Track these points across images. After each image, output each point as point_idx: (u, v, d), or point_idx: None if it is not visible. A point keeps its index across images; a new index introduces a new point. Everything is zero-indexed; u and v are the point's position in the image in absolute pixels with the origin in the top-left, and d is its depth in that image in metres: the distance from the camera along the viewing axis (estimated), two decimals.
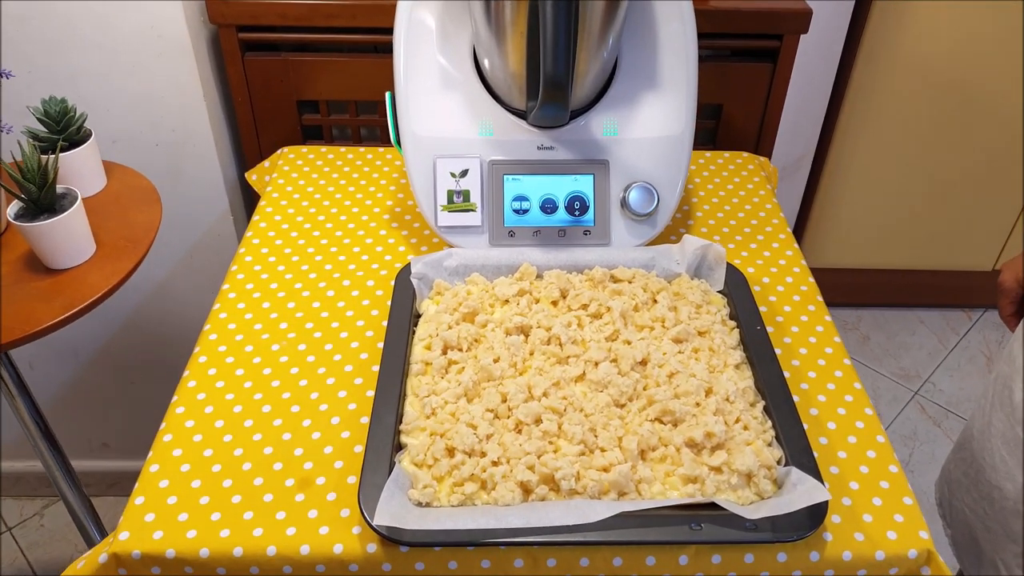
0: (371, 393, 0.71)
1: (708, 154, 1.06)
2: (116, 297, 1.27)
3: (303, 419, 0.69)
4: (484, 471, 0.60)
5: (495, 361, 0.69)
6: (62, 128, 0.84)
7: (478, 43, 0.84)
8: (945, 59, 1.46)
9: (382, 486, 0.58)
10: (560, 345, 0.71)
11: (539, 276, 0.80)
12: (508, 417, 0.65)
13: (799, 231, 1.70)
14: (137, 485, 0.64)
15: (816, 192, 1.64)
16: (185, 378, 0.74)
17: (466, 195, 0.84)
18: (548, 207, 0.84)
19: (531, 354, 0.71)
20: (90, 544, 1.14)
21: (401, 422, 0.65)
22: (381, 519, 0.56)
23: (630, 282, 0.78)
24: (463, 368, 0.69)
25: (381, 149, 1.06)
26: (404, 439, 0.64)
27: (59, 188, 0.78)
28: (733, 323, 0.75)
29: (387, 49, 1.08)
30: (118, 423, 1.51)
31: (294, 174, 1.01)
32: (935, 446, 1.55)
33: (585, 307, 0.75)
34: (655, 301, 0.77)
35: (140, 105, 1.08)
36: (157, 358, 1.39)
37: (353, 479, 0.64)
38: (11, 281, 0.77)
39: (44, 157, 0.76)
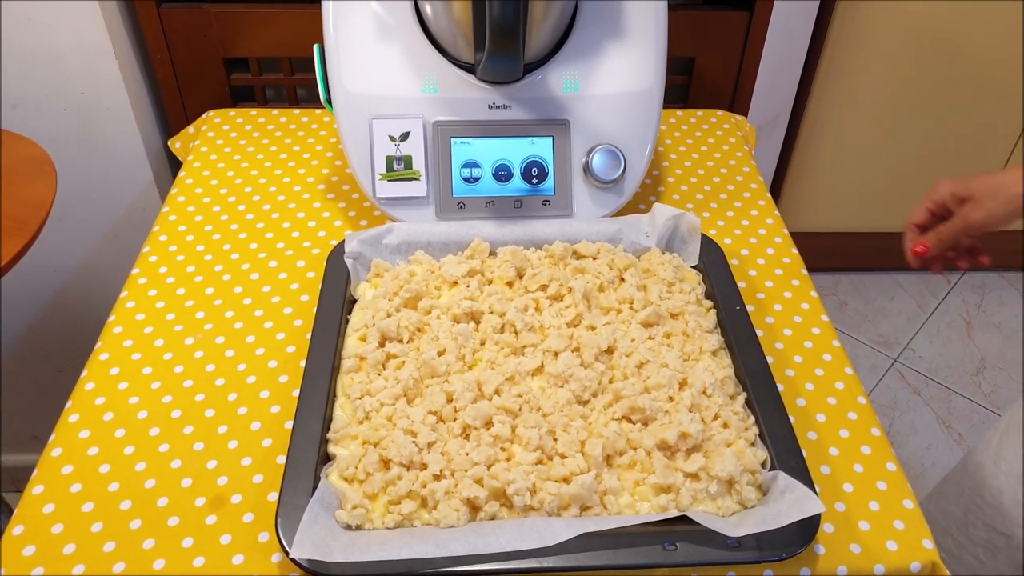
0: (297, 393, 0.62)
1: (680, 113, 0.97)
2: (32, 279, 1.15)
3: (219, 425, 0.60)
4: (424, 487, 0.52)
5: (440, 354, 0.60)
6: None
7: None
8: (926, 13, 1.38)
9: (304, 507, 0.50)
10: (515, 333, 0.63)
11: (492, 253, 0.71)
12: (454, 420, 0.56)
13: (775, 194, 1.63)
14: (16, 511, 0.54)
15: (792, 153, 1.56)
16: (82, 379, 0.64)
17: (407, 161, 0.74)
18: (502, 174, 0.75)
19: (482, 344, 0.62)
20: None
21: (329, 429, 0.56)
22: (301, 550, 0.47)
23: (594, 258, 0.70)
24: (403, 363, 0.60)
25: (318, 111, 0.95)
26: (332, 449, 0.55)
27: None
28: (709, 303, 0.67)
29: None
30: (48, 414, 1.40)
31: (219, 140, 0.90)
32: (915, 415, 1.51)
33: (544, 288, 0.67)
34: (622, 279, 0.68)
35: (39, 64, 0.96)
36: (85, 344, 1.28)
37: (274, 496, 0.55)
38: None
39: None
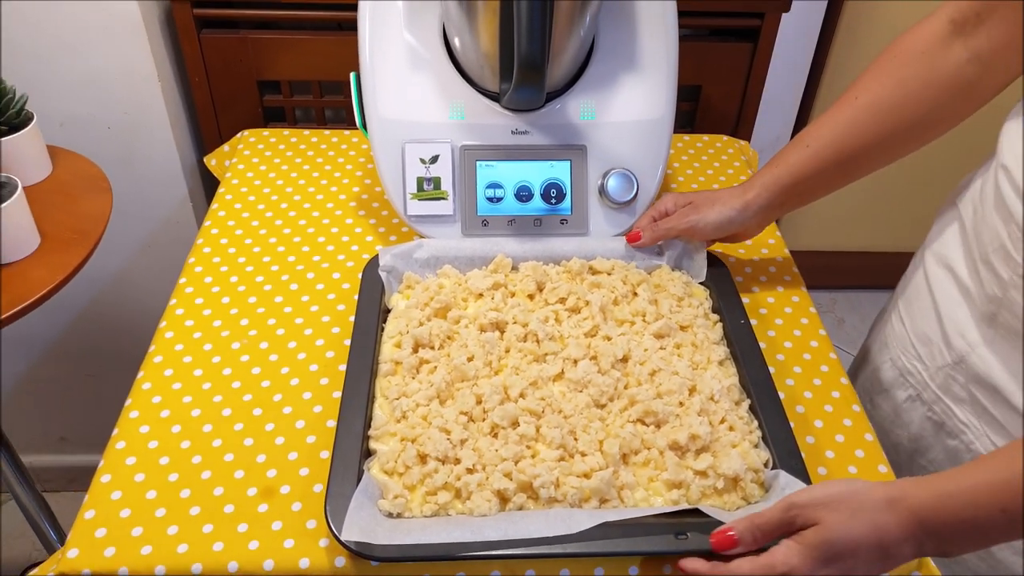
0: (338, 395, 0.67)
1: (687, 137, 1.03)
2: (68, 288, 1.21)
3: (266, 423, 0.65)
4: (458, 479, 0.57)
5: (469, 360, 0.66)
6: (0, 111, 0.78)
7: (448, 20, 0.79)
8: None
9: (350, 496, 0.55)
10: (537, 342, 0.68)
11: (514, 268, 0.76)
12: (483, 420, 0.62)
13: None
14: (87, 497, 0.60)
15: None
16: (139, 380, 0.69)
17: (436, 182, 0.80)
18: (523, 195, 0.80)
19: (507, 352, 0.68)
20: (46, 543, 1.09)
21: (370, 427, 0.61)
22: (350, 534, 0.53)
23: (609, 274, 0.75)
24: (435, 367, 0.65)
25: (347, 132, 1.01)
26: (373, 445, 0.61)
27: None
28: (716, 317, 0.72)
29: (352, 27, 1.03)
30: (76, 416, 1.45)
31: (255, 159, 0.96)
32: None
33: (563, 301, 0.72)
34: (635, 294, 0.74)
35: (88, 85, 1.02)
36: (115, 350, 1.33)
37: (320, 487, 0.60)
38: None
39: None
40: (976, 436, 0.66)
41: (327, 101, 1.10)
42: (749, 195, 0.73)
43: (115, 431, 0.65)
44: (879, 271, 1.80)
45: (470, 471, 0.57)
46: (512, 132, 0.80)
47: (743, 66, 1.10)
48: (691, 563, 0.53)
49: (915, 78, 0.67)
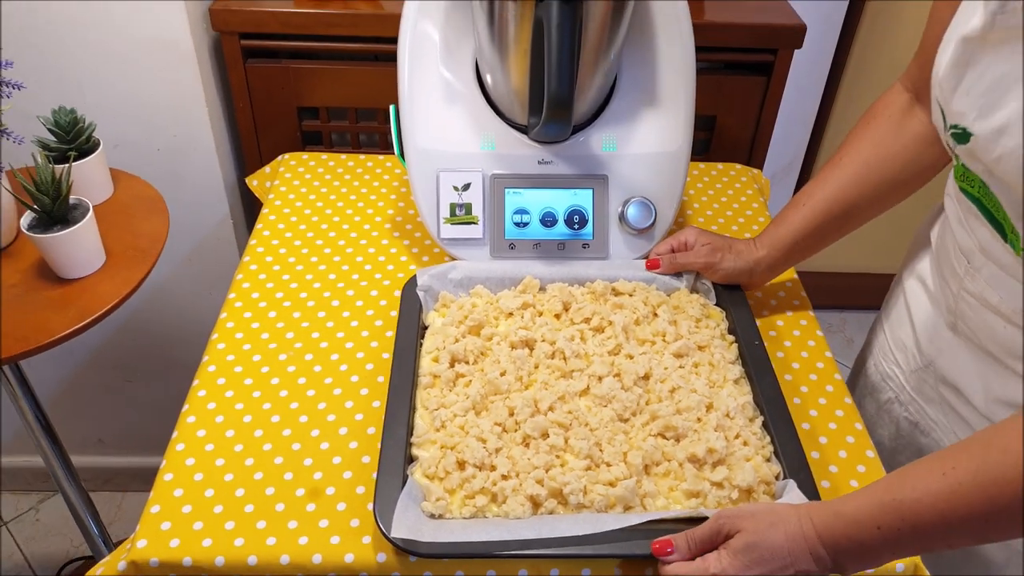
0: (377, 404, 0.73)
1: (702, 165, 1.08)
2: None
3: (311, 429, 0.71)
4: (494, 484, 0.62)
5: (501, 374, 0.71)
6: (72, 138, 0.84)
7: (481, 58, 0.85)
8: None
9: (395, 498, 0.60)
10: (564, 359, 0.73)
11: (542, 289, 0.82)
12: (515, 431, 0.67)
13: None
14: (152, 493, 0.65)
15: None
16: (195, 387, 0.75)
17: (468, 208, 0.86)
18: (548, 220, 0.86)
19: (536, 368, 0.73)
20: (88, 538, 1.15)
21: (411, 434, 0.67)
22: (398, 531, 0.58)
23: (631, 295, 0.80)
24: (470, 381, 0.71)
25: (381, 156, 1.07)
26: (415, 451, 0.66)
27: (71, 199, 0.79)
28: (732, 337, 0.77)
29: (387, 58, 1.10)
30: (113, 420, 1.51)
31: (296, 181, 1.02)
32: None
33: (587, 320, 0.77)
34: (656, 315, 0.79)
35: (143, 110, 1.09)
36: (154, 357, 1.39)
37: (362, 489, 0.66)
38: (23, 290, 0.78)
39: (57, 168, 0.77)
40: (944, 433, 0.74)
41: (362, 127, 1.16)
42: (760, 253, 0.81)
43: (175, 434, 0.71)
44: (887, 291, 1.84)
45: (505, 477, 0.63)
46: (539, 162, 0.86)
47: (757, 98, 1.15)
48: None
49: (888, 138, 0.75)
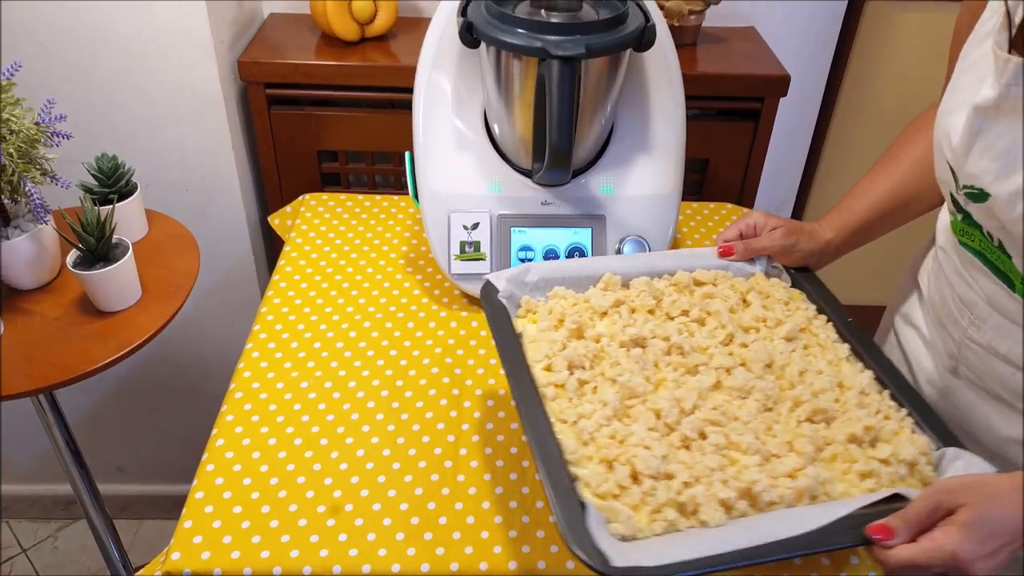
0: (392, 428, 0.78)
1: (695, 205, 1.14)
2: None
3: (331, 451, 0.76)
4: (679, 494, 0.57)
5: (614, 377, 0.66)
6: (112, 182, 0.91)
7: (489, 109, 0.92)
8: (916, 112, 1.56)
9: (585, 525, 0.54)
10: (683, 354, 0.69)
11: (624, 285, 0.77)
12: (669, 434, 0.62)
13: None
14: (185, 510, 0.70)
15: None
16: (223, 412, 0.80)
17: (476, 245, 0.92)
18: (550, 257, 0.92)
19: (656, 366, 0.68)
20: (109, 564, 1.19)
21: (562, 452, 0.60)
22: (618, 561, 0.52)
23: (714, 284, 0.78)
24: (596, 387, 0.65)
25: (395, 197, 1.14)
26: (573, 470, 0.59)
27: (113, 238, 0.85)
28: (824, 316, 0.76)
29: (401, 105, 1.17)
30: (133, 449, 1.56)
31: (315, 220, 1.09)
32: None
33: (686, 313, 0.74)
34: (746, 302, 0.76)
35: (175, 153, 1.16)
36: (176, 387, 1.45)
37: (378, 506, 0.71)
38: (66, 323, 0.84)
39: (100, 210, 0.83)
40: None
41: (378, 169, 1.23)
42: (829, 235, 0.81)
43: (205, 456, 0.76)
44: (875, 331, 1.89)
45: (687, 484, 0.58)
46: (542, 203, 0.92)
47: (746, 142, 1.22)
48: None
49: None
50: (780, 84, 1.17)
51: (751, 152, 1.22)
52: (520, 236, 0.92)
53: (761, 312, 0.74)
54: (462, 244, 0.91)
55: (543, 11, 0.85)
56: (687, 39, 1.27)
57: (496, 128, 0.92)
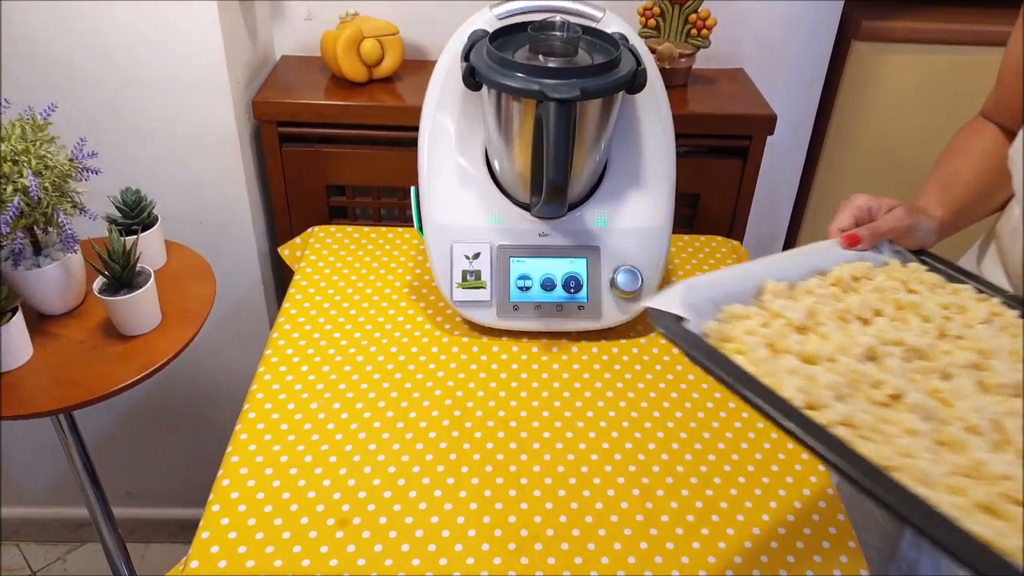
0: (397, 447, 0.82)
1: (686, 237, 1.20)
2: None
3: (339, 468, 0.80)
4: None
5: (895, 396, 0.56)
6: (136, 214, 0.97)
7: (490, 147, 0.98)
8: (903, 151, 1.63)
9: None
10: (926, 358, 0.60)
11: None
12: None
13: None
14: (202, 522, 0.75)
15: None
16: (237, 431, 0.85)
17: (477, 274, 0.97)
18: (547, 285, 0.97)
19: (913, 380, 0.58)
20: None
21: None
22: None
23: (869, 278, 0.69)
24: (883, 418, 0.54)
25: (400, 229, 1.19)
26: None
27: (136, 266, 0.91)
28: (985, 296, 0.69)
29: (406, 143, 1.23)
30: (142, 473, 1.60)
31: (324, 251, 1.14)
32: None
33: (879, 312, 0.65)
34: (912, 291, 0.68)
35: (191, 187, 1.22)
36: (185, 414, 1.49)
37: (384, 519, 0.75)
38: (90, 346, 0.89)
39: (126, 240, 0.89)
40: None
41: (383, 203, 1.29)
42: (938, 213, 0.76)
43: (220, 471, 0.80)
44: None
45: None
46: (539, 235, 0.97)
47: (735, 178, 1.28)
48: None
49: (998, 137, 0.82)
50: (767, 123, 1.24)
51: (740, 187, 1.28)
52: (519, 265, 0.97)
53: (948, 299, 0.66)
54: (464, 273, 0.97)
55: (541, 56, 0.91)
56: (678, 80, 1.34)
57: (496, 164, 0.97)
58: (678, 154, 1.01)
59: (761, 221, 1.67)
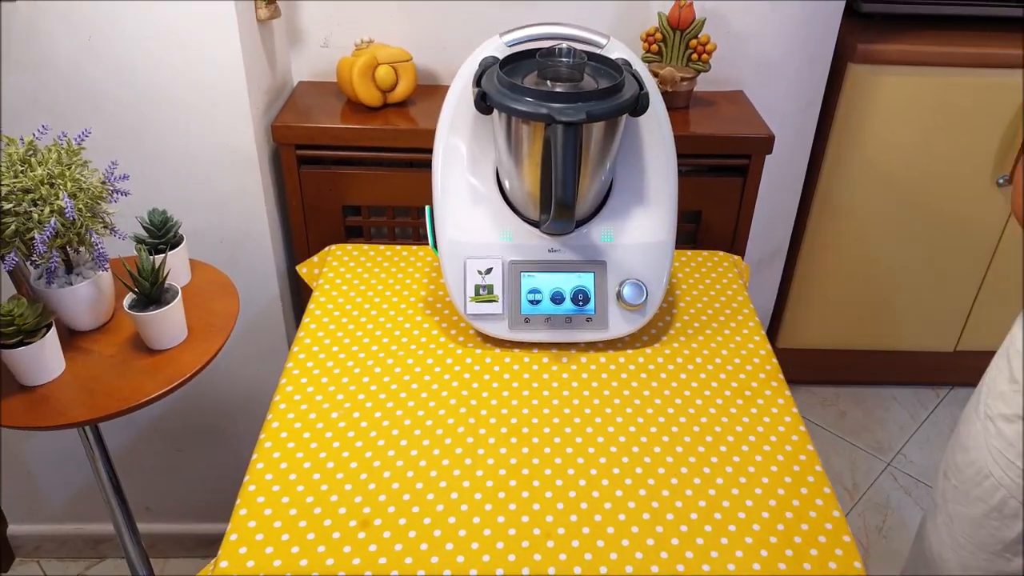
0: (415, 452, 0.86)
1: (689, 253, 1.24)
2: None
3: (360, 473, 0.84)
4: None
5: None
6: (162, 234, 1.02)
7: (500, 167, 1.03)
8: (899, 168, 1.67)
9: None
10: None
11: None
12: None
13: (777, 317, 1.87)
14: (230, 525, 0.78)
15: (791, 281, 1.82)
16: (262, 440, 0.89)
17: (490, 289, 1.01)
18: (557, 299, 1.01)
19: None
20: None
21: None
22: None
23: None
24: None
25: (414, 247, 1.24)
26: None
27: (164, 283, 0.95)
28: None
29: (420, 164, 1.28)
30: (162, 488, 1.63)
31: (341, 268, 1.19)
32: (906, 513, 1.68)
33: None
34: None
35: (212, 207, 1.27)
36: (204, 427, 1.53)
37: (404, 520, 0.78)
38: (120, 360, 0.94)
39: (155, 258, 0.93)
40: None
41: (398, 222, 1.33)
42: None
43: (247, 478, 0.84)
44: (876, 368, 1.96)
45: None
46: (549, 251, 1.02)
47: (736, 196, 1.32)
48: None
49: None
50: (766, 143, 1.28)
51: (741, 205, 1.32)
52: (529, 280, 1.01)
53: None
54: (476, 287, 1.01)
55: (548, 81, 0.96)
56: (680, 103, 1.38)
57: (507, 184, 1.02)
58: (681, 173, 1.05)
59: (761, 238, 1.71)
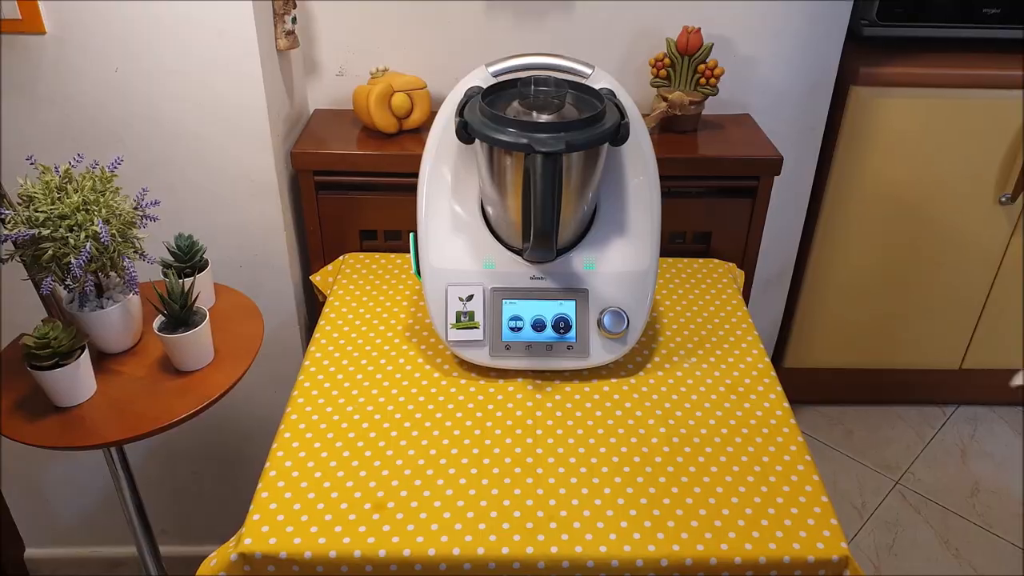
0: (423, 457, 1.06)
1: (685, 260, 1.40)
2: None
3: (369, 481, 1.02)
4: None
5: None
6: (188, 258, 1.23)
7: (484, 195, 1.11)
8: (902, 188, 1.84)
9: None
10: None
11: None
12: None
13: (784, 335, 2.03)
14: (252, 507, 0.98)
15: (797, 301, 1.98)
16: (274, 449, 1.04)
17: (471, 315, 1.11)
18: (538, 326, 1.11)
19: None
20: None
21: None
22: None
23: None
24: None
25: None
26: None
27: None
28: None
29: None
30: (177, 510, 1.78)
31: (355, 276, 1.37)
32: (916, 532, 1.83)
33: None
34: None
35: (232, 234, 1.46)
36: (220, 449, 1.69)
37: (402, 517, 0.98)
38: (150, 381, 1.07)
39: (184, 281, 1.13)
40: None
41: None
42: None
43: (267, 464, 1.03)
44: (882, 387, 2.11)
45: None
46: (530, 278, 1.11)
47: (745, 217, 1.48)
48: None
49: None
50: (774, 165, 1.44)
51: (750, 225, 1.47)
52: (511, 307, 1.11)
53: None
54: (458, 314, 1.10)
55: (532, 111, 1.03)
56: (688, 126, 1.54)
57: (490, 211, 1.12)
58: (690, 195, 1.18)
59: (768, 258, 1.87)
